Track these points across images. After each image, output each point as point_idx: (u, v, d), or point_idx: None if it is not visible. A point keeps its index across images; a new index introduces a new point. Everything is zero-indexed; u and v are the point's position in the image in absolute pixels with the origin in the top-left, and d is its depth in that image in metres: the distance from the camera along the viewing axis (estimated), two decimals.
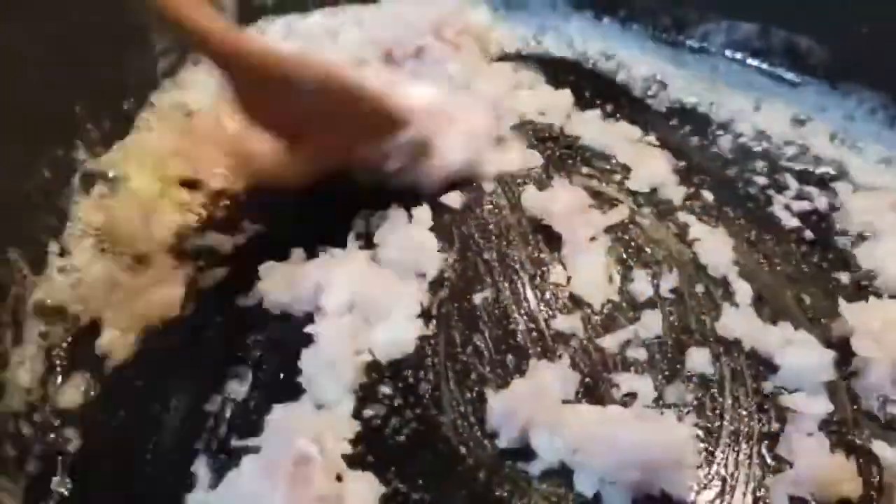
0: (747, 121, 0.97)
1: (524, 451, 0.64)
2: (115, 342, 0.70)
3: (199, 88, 0.95)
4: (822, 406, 0.67)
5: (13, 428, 0.63)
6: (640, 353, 0.71)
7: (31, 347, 0.69)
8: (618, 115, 0.97)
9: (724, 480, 0.63)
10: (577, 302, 0.75)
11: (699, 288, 0.77)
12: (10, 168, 0.72)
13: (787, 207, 0.86)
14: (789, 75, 1.01)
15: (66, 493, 0.62)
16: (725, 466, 0.64)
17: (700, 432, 0.66)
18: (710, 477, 0.63)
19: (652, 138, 0.94)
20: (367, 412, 0.66)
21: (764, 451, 0.64)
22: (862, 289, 0.78)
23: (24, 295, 0.71)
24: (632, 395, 0.68)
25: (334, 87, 0.74)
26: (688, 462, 0.62)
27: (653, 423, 0.64)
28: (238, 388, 0.67)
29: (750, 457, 0.64)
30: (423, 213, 0.81)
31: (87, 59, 0.80)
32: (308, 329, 0.70)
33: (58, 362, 0.70)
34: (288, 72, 0.71)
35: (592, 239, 0.80)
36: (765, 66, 1.02)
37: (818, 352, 0.70)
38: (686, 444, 0.62)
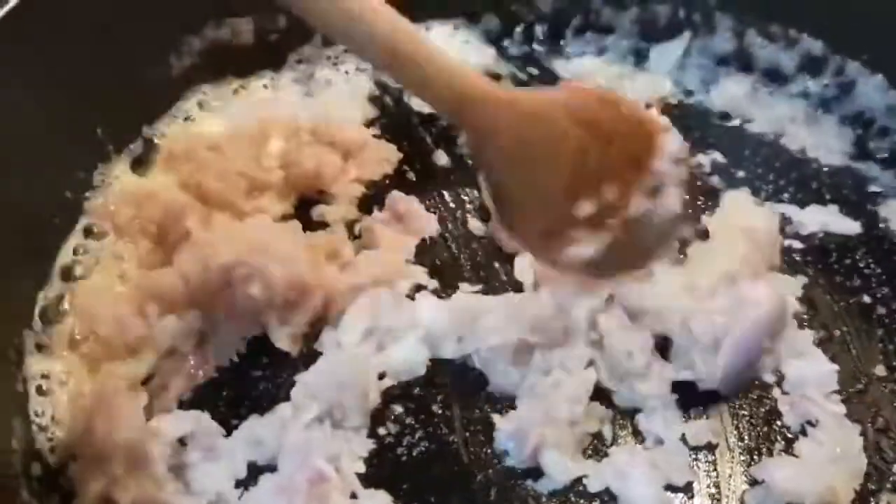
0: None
1: (533, 470, 0.66)
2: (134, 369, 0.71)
3: None
4: None
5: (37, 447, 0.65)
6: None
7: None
8: None
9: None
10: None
11: None
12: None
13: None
14: None
15: None
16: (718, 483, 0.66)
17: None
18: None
19: None
20: (381, 431, 0.68)
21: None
22: None
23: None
24: None
25: (589, 100, 0.63)
26: None
27: None
28: (256, 409, 0.69)
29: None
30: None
31: None
32: (325, 351, 0.72)
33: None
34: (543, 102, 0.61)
35: None
36: None
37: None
38: None
